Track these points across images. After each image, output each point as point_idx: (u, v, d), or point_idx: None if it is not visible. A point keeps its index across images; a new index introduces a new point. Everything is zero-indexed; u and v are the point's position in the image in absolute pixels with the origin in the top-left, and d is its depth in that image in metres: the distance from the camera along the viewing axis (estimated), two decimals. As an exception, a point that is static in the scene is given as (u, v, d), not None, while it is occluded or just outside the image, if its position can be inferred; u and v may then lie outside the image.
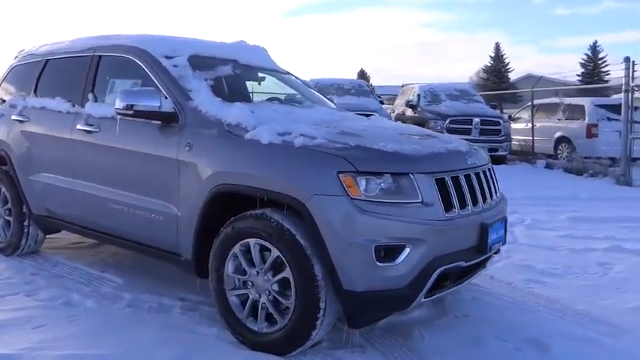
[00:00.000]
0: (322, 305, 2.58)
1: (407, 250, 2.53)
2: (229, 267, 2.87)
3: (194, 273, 3.13)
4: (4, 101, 4.50)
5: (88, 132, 3.59)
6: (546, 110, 13.89)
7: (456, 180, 2.77)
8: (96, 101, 3.69)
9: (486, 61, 51.89)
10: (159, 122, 3.21)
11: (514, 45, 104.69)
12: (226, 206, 2.93)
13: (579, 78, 50.98)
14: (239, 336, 2.85)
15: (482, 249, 2.84)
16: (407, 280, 2.54)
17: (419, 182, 2.60)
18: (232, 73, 3.71)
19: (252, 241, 2.76)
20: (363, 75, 55.68)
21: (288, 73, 4.47)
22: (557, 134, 12.99)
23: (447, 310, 3.37)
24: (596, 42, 52.06)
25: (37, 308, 3.27)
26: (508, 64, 51.38)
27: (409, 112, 12.67)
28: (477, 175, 2.97)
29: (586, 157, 11.37)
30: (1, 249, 4.41)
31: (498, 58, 51.23)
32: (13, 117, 4.21)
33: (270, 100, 3.94)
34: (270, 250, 2.72)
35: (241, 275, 2.84)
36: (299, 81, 4.42)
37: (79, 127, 3.65)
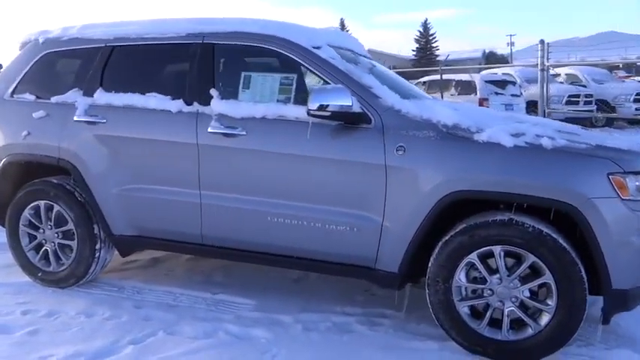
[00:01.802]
0: (586, 307, 2.59)
1: (659, 245, 2.66)
2: (461, 277, 2.73)
3: (395, 286, 2.92)
4: (39, 97, 3.59)
5: (228, 135, 3.06)
6: (439, 86, 14.93)
7: None
8: (222, 99, 3.14)
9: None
10: (338, 123, 2.88)
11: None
12: (451, 214, 2.77)
13: (414, 53, 55.51)
14: (478, 347, 2.73)
15: None
16: None
17: None
18: (370, 66, 3.43)
19: (496, 248, 2.65)
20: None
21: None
22: (452, 109, 14.06)
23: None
24: (426, 20, 56.91)
25: (214, 348, 2.76)
26: (352, 39, 53.73)
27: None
28: None
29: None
30: (56, 281, 3.57)
31: (343, 33, 53.26)
32: (77, 118, 3.39)
33: None
34: (514, 256, 2.65)
35: (478, 284, 2.72)
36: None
37: (210, 130, 3.08)
